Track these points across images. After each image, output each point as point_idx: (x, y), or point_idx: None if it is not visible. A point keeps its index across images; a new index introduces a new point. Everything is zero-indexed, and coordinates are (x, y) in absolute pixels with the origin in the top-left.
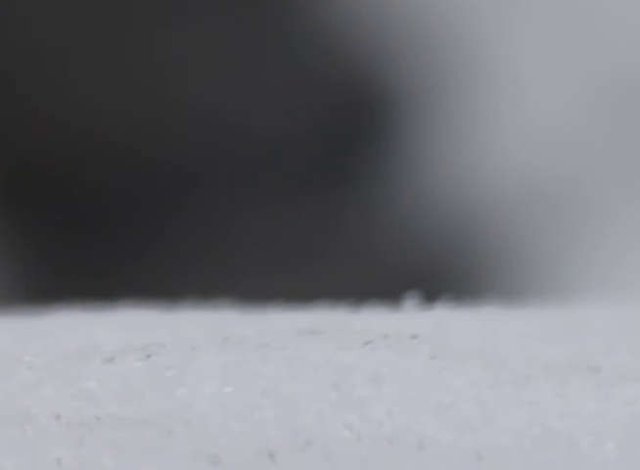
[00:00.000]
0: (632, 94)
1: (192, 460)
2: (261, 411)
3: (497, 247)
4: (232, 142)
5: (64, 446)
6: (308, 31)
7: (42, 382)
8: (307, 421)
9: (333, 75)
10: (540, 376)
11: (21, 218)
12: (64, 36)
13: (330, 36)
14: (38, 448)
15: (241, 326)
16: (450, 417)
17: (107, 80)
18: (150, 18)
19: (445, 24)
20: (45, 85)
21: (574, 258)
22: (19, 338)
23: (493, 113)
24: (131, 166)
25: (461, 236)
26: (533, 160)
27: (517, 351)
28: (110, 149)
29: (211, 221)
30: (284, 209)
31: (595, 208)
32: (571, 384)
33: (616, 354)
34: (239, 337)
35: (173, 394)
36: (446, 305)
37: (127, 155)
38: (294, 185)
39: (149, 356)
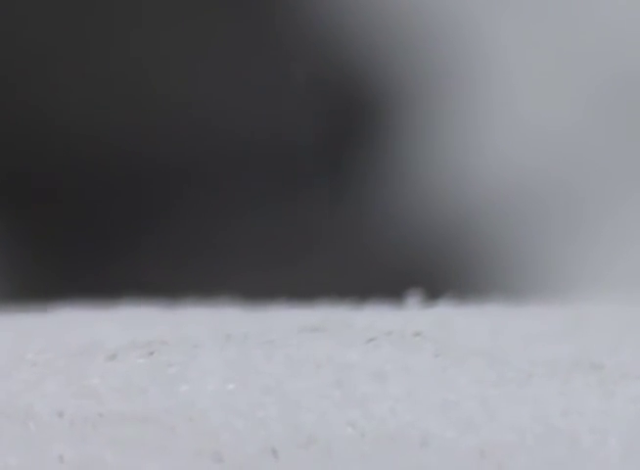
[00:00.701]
0: (625, 95)
1: (195, 457)
2: (264, 408)
3: (492, 247)
4: (231, 142)
5: (66, 442)
6: (301, 32)
7: (45, 379)
8: (310, 418)
9: (326, 77)
10: (543, 374)
11: (21, 218)
12: (58, 38)
13: (322, 37)
14: (41, 445)
15: (243, 324)
16: (453, 415)
17: (98, 82)
18: (143, 20)
19: (439, 26)
20: (40, 87)
21: (569, 257)
22: (21, 335)
23: (488, 114)
24: (131, 167)
25: (457, 236)
26: (527, 160)
27: (520, 348)
28: (110, 149)
29: (214, 219)
30: (286, 207)
31: (590, 208)
32: (575, 382)
33: (619, 352)
34: (241, 334)
35: (176, 391)
36: (449, 302)
37: (127, 155)
38: (294, 184)
39: (151, 353)
